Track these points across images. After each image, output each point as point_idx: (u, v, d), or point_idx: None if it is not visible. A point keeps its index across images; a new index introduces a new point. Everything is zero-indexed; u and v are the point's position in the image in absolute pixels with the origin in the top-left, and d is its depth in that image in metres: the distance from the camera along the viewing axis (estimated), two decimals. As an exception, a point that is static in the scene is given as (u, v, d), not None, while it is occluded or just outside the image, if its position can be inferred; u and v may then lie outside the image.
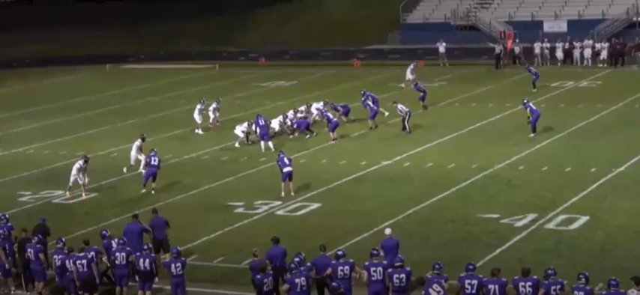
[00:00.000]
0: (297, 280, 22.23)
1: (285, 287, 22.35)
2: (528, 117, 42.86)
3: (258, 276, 22.73)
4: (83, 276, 24.59)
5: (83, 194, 36.18)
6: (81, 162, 36.32)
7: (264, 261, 23.66)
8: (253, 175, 38.43)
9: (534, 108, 43.18)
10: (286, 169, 34.44)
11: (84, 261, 24.59)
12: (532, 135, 42.23)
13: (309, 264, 23.08)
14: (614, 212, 30.61)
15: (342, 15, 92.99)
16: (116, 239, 25.71)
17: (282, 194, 34.28)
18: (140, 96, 61.40)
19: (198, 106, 47.63)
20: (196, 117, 47.33)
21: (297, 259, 22.87)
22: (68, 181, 36.19)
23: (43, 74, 76.90)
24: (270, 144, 42.17)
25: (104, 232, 26.41)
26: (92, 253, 24.95)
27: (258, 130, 42.78)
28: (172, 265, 24.03)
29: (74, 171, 36.19)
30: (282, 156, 35.16)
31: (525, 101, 43.95)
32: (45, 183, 38.79)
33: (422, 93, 51.00)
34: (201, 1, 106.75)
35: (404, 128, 44.81)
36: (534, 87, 54.56)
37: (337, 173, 37.61)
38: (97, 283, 24.91)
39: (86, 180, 36.38)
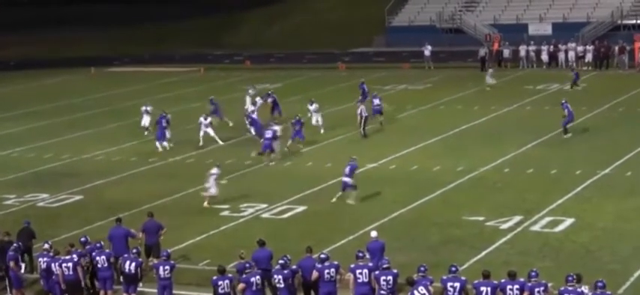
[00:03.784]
0: (252, 279, 22.30)
1: (241, 286, 22.33)
2: (563, 117, 42.73)
3: (214, 278, 22.68)
4: (69, 279, 24.41)
5: None
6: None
7: (251, 264, 23.59)
8: (239, 178, 38.36)
9: (571, 110, 42.94)
10: (343, 179, 33.52)
11: (70, 264, 24.41)
12: (565, 136, 42.26)
13: (294, 267, 23.06)
14: (599, 214, 30.69)
15: (328, 18, 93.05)
16: (97, 244, 25.46)
17: (350, 201, 33.33)
18: (125, 99, 61.24)
19: (203, 120, 45.15)
20: (208, 132, 44.86)
21: (281, 261, 22.84)
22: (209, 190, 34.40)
23: (27, 77, 76.66)
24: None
25: (83, 239, 25.97)
26: (76, 256, 24.75)
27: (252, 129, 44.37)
28: (161, 267, 23.91)
29: None
30: (350, 163, 33.74)
31: (564, 102, 43.76)
32: (30, 186, 38.65)
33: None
34: (187, 4, 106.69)
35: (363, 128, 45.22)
36: (572, 87, 55.50)
37: (323, 176, 37.57)
38: (83, 286, 24.77)
39: None
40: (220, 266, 23.15)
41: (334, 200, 33.50)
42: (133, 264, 24.40)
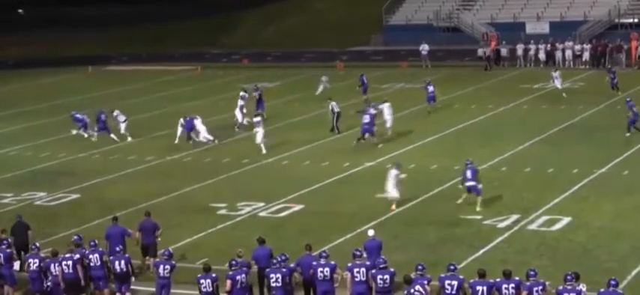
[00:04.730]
0: (238, 277, 22.34)
1: (227, 283, 22.35)
2: (628, 117, 42.42)
3: (198, 276, 22.67)
4: (68, 278, 24.21)
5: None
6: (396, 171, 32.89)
7: (248, 262, 23.62)
8: (236, 176, 38.38)
9: (636, 110, 42.27)
10: (467, 184, 32.07)
11: (70, 262, 24.24)
12: (627, 134, 41.82)
13: (292, 265, 23.08)
14: (596, 213, 30.71)
15: (325, 17, 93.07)
16: (90, 242, 25.39)
17: (460, 201, 32.22)
18: (122, 98, 61.15)
19: (182, 121, 45.50)
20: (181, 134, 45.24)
21: (275, 260, 22.85)
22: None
23: (25, 76, 76.63)
24: (209, 136, 43.89)
25: (76, 238, 25.84)
26: (77, 255, 24.59)
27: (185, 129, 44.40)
28: (161, 266, 23.84)
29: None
30: (469, 164, 32.47)
31: (629, 100, 43.49)
32: (27, 184, 38.62)
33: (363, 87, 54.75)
34: (186, 4, 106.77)
35: (332, 128, 45.49)
36: (617, 90, 52.73)
37: (320, 174, 37.61)
38: (82, 285, 24.62)
39: None
40: (205, 264, 23.16)
41: (460, 201, 32.09)
42: (123, 262, 24.34)
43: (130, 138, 46.51)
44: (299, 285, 23.25)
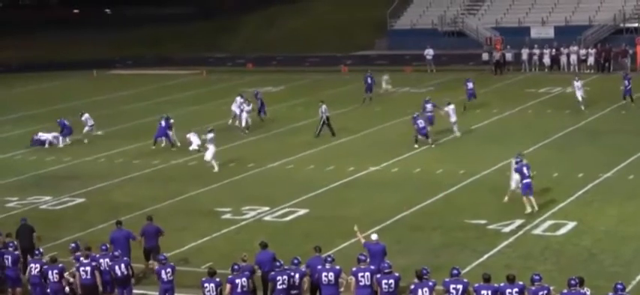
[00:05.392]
0: (237, 280, 22.32)
1: (227, 287, 22.33)
2: None
3: (203, 279, 22.70)
4: (86, 284, 24.08)
5: None
6: None
7: (252, 266, 23.62)
8: (241, 181, 38.38)
9: None
10: (526, 181, 31.31)
11: (88, 268, 24.08)
12: None
13: (303, 268, 23.08)
14: (601, 217, 30.66)
15: (329, 21, 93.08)
16: (102, 246, 25.38)
17: (528, 209, 31.12)
18: (127, 102, 61.33)
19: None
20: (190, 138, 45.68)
21: (278, 264, 22.84)
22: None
23: (28, 80, 76.69)
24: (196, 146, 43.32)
25: (73, 245, 25.72)
26: (94, 262, 24.50)
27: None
28: (163, 271, 23.80)
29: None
30: (520, 162, 31.74)
31: None
32: (32, 188, 38.65)
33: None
34: (189, 7, 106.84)
35: (326, 131, 45.66)
36: (624, 99, 50.98)
37: (325, 178, 37.60)
38: (100, 291, 24.50)
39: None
40: (210, 268, 23.16)
41: (530, 211, 31.13)
42: (122, 265, 24.31)
43: (100, 132, 49.05)
44: (306, 292, 23.24)
